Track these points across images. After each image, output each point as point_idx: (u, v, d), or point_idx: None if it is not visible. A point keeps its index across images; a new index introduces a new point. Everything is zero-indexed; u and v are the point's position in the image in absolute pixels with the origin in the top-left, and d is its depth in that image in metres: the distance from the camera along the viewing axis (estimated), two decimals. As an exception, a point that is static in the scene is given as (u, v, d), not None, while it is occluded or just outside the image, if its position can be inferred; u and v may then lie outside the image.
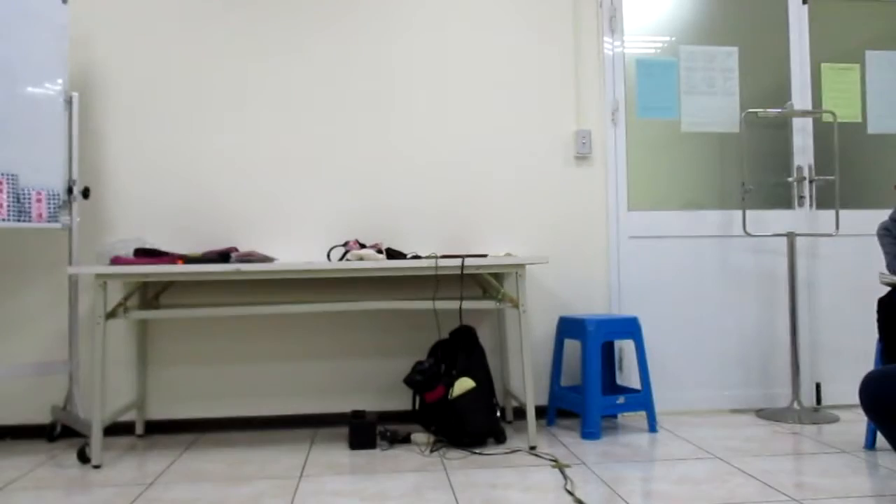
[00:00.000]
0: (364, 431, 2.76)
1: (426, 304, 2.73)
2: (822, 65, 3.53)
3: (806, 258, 3.44)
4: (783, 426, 3.03)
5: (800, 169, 3.47)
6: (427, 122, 3.27)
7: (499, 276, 3.23)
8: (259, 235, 3.16)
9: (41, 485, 2.35)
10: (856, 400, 3.41)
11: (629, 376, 3.31)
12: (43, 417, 3.00)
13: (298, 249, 3.16)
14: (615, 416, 3.23)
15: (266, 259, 2.78)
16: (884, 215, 3.42)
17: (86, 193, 2.88)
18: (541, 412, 3.18)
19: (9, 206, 2.63)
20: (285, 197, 3.19)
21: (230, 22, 3.20)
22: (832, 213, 3.43)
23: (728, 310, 3.40)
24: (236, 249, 2.84)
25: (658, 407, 3.33)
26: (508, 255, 2.97)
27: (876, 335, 2.79)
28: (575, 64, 3.36)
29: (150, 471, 2.50)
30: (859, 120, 3.54)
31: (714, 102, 3.45)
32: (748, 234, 3.37)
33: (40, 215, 2.71)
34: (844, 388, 3.41)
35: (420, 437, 2.81)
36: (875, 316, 2.78)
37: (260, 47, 3.21)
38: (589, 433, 2.85)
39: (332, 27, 3.25)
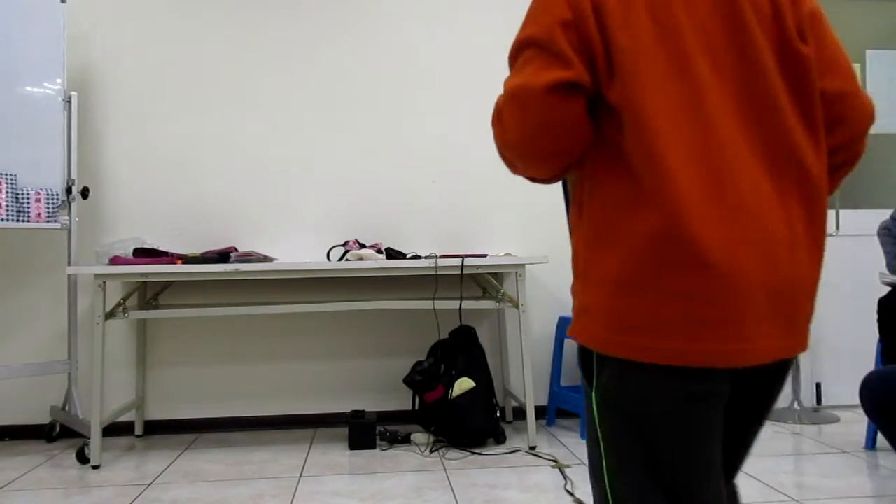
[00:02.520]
0: (364, 431, 2.75)
1: (426, 304, 2.72)
2: (822, 64, 3.52)
3: (806, 258, 3.43)
4: (783, 426, 3.03)
5: (800, 169, 3.47)
6: (427, 122, 3.26)
7: (499, 276, 3.22)
8: (258, 235, 3.15)
9: (40, 485, 2.35)
10: (856, 400, 3.41)
11: (629, 376, 3.31)
12: (42, 418, 3.00)
13: (298, 249, 3.16)
14: (615, 417, 3.22)
15: (265, 259, 2.77)
16: (884, 215, 3.41)
17: (85, 193, 2.88)
18: (541, 412, 3.17)
19: (7, 205, 2.62)
20: (285, 197, 3.18)
21: (230, 23, 3.19)
22: (832, 213, 3.43)
23: (728, 310, 3.39)
24: (235, 249, 2.83)
25: (658, 407, 3.32)
26: (508, 255, 2.96)
27: (876, 335, 2.79)
28: (575, 64, 3.35)
29: (150, 471, 2.49)
30: (859, 120, 3.54)
31: (714, 102, 3.44)
32: (748, 234, 3.36)
33: (39, 215, 2.70)
34: (844, 388, 3.41)
35: (420, 437, 2.81)
36: (875, 316, 2.78)
37: (260, 47, 3.20)
38: (589, 433, 2.84)
39: (332, 29, 3.24)
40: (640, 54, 0.81)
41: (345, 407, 3.17)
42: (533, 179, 0.94)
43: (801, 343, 0.86)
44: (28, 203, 2.68)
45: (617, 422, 0.86)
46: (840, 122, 0.89)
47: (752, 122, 0.83)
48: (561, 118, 0.82)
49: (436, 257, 2.74)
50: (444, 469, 2.46)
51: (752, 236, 0.79)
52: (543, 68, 0.82)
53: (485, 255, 2.82)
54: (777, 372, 0.90)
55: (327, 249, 3.14)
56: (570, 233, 0.93)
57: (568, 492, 2.17)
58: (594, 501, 0.91)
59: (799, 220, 0.84)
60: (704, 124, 0.80)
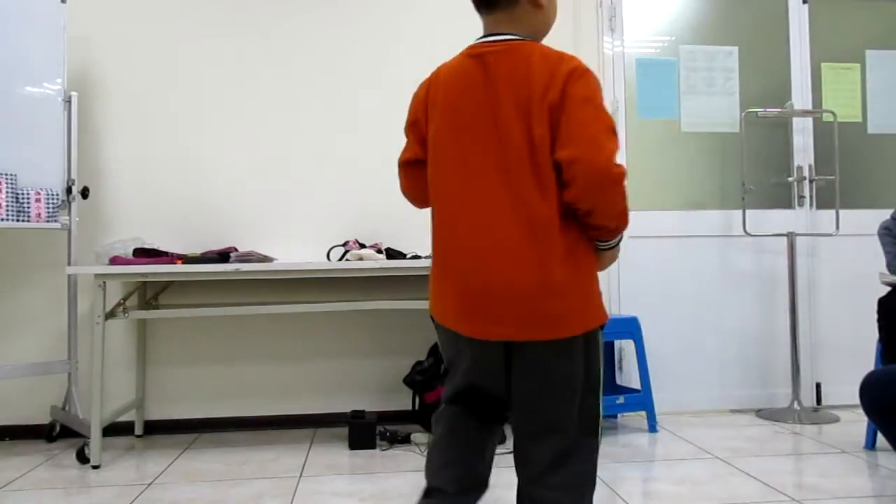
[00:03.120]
0: (364, 431, 2.75)
1: (426, 304, 2.72)
2: (822, 64, 3.52)
3: (806, 258, 3.44)
4: (783, 426, 3.03)
5: (800, 169, 3.47)
6: (427, 121, 3.26)
7: (498, 276, 3.22)
8: (258, 235, 3.15)
9: (40, 485, 2.35)
10: (856, 400, 3.38)
11: (629, 376, 3.31)
12: (42, 418, 3.00)
13: (298, 249, 3.16)
14: (615, 416, 3.23)
15: (265, 259, 2.77)
16: (884, 215, 3.40)
17: (85, 193, 2.88)
18: (541, 412, 3.17)
19: (8, 205, 2.62)
20: (285, 197, 3.18)
21: (230, 23, 3.19)
22: (832, 212, 3.42)
23: (728, 310, 3.39)
24: (236, 249, 2.83)
25: (658, 407, 3.32)
26: (508, 254, 2.96)
27: (876, 335, 2.78)
28: (575, 64, 3.35)
29: (149, 471, 2.49)
30: (859, 120, 3.54)
31: (714, 102, 3.45)
32: (748, 234, 3.36)
33: (39, 215, 2.71)
34: (844, 388, 3.40)
35: (420, 437, 2.81)
36: (875, 316, 2.77)
37: (260, 47, 3.20)
38: (589, 433, 2.84)
39: (333, 29, 3.24)
40: (437, 144, 1.34)
41: (345, 407, 3.16)
42: None
43: (522, 333, 1.27)
44: (28, 203, 2.68)
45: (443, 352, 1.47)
46: (572, 180, 1.21)
47: (503, 184, 1.25)
48: (414, 181, 1.43)
49: (436, 257, 2.73)
50: (444, 469, 2.45)
51: (486, 260, 1.24)
52: (404, 150, 1.44)
53: (485, 255, 2.81)
54: (525, 353, 1.31)
55: (327, 249, 3.13)
56: None
57: (568, 492, 2.17)
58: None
59: (527, 246, 1.23)
60: (469, 186, 1.28)
